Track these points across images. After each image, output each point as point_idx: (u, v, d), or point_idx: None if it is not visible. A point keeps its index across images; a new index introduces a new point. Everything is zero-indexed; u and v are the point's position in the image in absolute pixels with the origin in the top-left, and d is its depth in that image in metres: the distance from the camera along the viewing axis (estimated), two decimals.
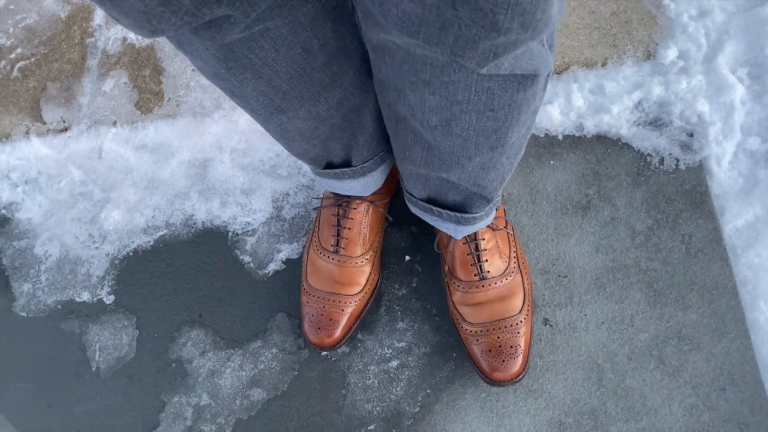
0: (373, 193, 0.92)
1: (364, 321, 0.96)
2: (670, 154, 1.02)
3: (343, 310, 0.92)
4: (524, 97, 0.58)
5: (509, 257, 0.91)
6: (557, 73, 1.09)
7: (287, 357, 0.97)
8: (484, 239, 0.88)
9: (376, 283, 0.97)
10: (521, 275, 0.91)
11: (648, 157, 1.02)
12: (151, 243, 1.07)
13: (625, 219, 0.99)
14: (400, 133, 0.69)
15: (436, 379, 0.94)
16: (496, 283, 0.88)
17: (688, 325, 0.92)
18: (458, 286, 0.90)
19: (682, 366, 0.90)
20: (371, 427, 0.92)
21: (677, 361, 0.90)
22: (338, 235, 0.92)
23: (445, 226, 0.84)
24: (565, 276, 0.96)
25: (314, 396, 0.95)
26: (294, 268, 1.02)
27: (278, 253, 1.04)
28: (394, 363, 0.95)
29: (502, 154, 0.66)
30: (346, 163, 0.82)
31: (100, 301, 1.04)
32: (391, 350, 0.96)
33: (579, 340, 0.93)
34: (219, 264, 1.04)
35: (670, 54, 1.06)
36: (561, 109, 1.06)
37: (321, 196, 1.01)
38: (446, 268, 0.92)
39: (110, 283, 1.05)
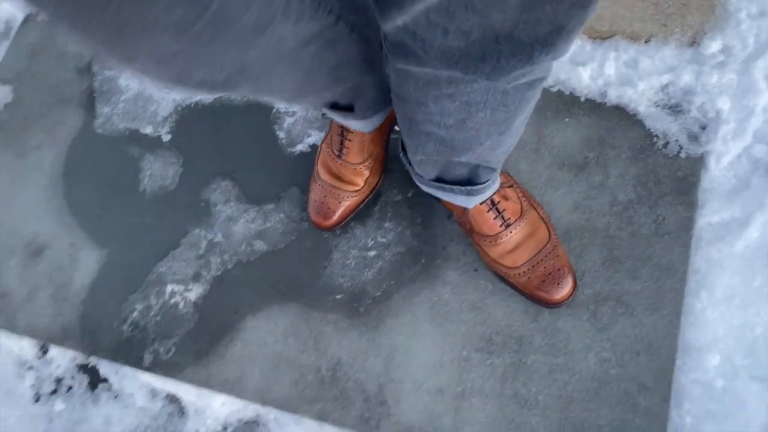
0: None
1: (360, 214, 1.12)
2: (676, 140, 1.07)
3: (340, 202, 1.07)
4: (533, 94, 0.64)
5: (519, 198, 1.00)
6: (601, 39, 1.14)
7: (290, 223, 1.15)
8: (495, 192, 0.96)
9: (375, 185, 1.10)
10: (534, 208, 1.02)
11: (654, 138, 1.08)
12: (211, 101, 1.25)
13: (612, 187, 1.07)
14: (414, 133, 0.76)
15: (402, 275, 1.09)
16: (519, 225, 0.98)
17: (630, 293, 1.02)
18: (490, 241, 0.99)
19: (611, 325, 1.01)
20: (338, 297, 1.10)
21: (608, 320, 1.01)
22: (341, 144, 1.04)
23: (457, 198, 0.91)
24: None
25: (302, 260, 1.13)
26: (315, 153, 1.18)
27: (308, 137, 1.20)
28: (372, 253, 1.11)
29: (509, 135, 0.73)
30: (349, 108, 0.87)
31: (159, 137, 1.25)
32: (373, 242, 1.12)
33: None
34: (258, 133, 1.21)
35: (714, 46, 1.09)
36: (591, 73, 1.12)
37: None
38: (470, 232, 1.02)
39: (170, 125, 1.25)
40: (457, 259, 1.08)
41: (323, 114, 1.10)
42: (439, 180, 0.87)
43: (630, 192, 1.06)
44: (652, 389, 0.98)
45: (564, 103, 1.13)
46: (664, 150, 1.08)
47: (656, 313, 1.00)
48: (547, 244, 0.99)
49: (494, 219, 0.97)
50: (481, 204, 0.96)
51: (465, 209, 0.98)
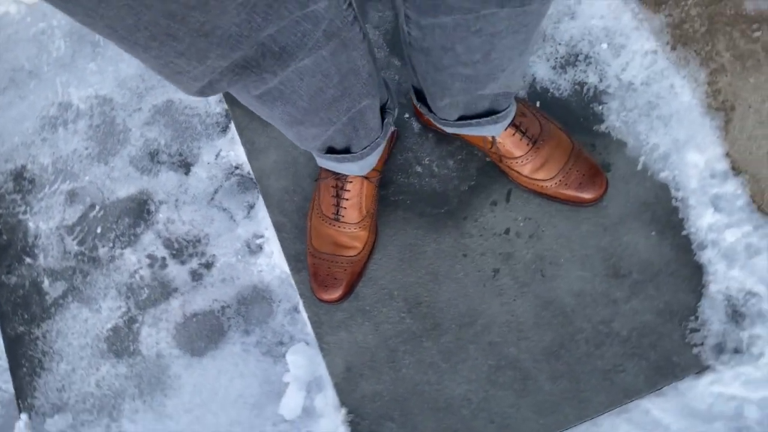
0: None
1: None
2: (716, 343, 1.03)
3: (345, 270, 1.07)
4: (548, 6, 0.65)
5: (535, 116, 1.05)
6: None
7: None
8: (515, 116, 1.00)
9: (372, 245, 1.11)
10: (550, 121, 1.06)
11: (690, 322, 1.04)
12: None
13: (619, 312, 1.12)
14: (438, 80, 0.78)
15: None
16: (544, 140, 1.03)
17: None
18: (522, 161, 1.04)
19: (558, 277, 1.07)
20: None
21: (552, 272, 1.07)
22: (338, 204, 1.04)
23: (485, 129, 0.95)
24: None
25: None
26: None
27: None
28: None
29: (526, 53, 0.74)
30: (346, 150, 0.91)
31: None
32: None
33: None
34: None
35: None
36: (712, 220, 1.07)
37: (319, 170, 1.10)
38: (498, 158, 1.06)
39: None
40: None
41: (317, 178, 1.10)
42: (463, 118, 0.91)
43: (626, 325, 1.05)
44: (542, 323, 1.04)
45: (666, 221, 1.08)
46: (686, 328, 1.04)
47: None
48: (573, 150, 1.05)
49: (521, 139, 1.02)
50: (507, 129, 1.00)
51: (492, 139, 1.03)
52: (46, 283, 1.29)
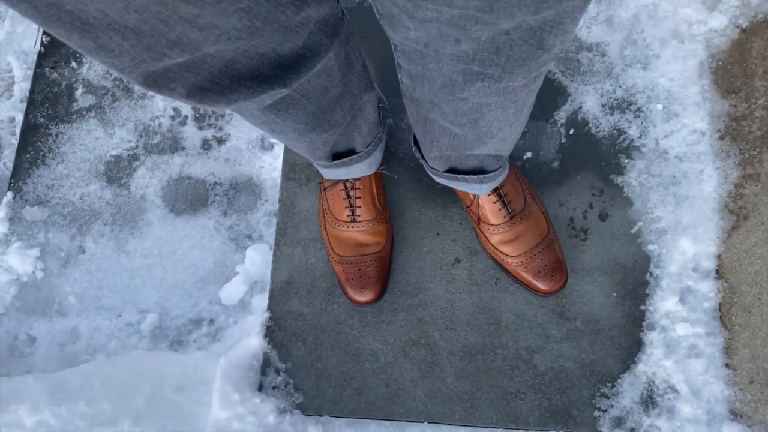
0: None
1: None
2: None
3: (375, 267, 1.07)
4: (539, 84, 0.65)
5: (523, 191, 1.06)
6: None
7: None
8: (503, 185, 1.02)
9: (392, 234, 1.12)
10: (535, 201, 1.07)
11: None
12: None
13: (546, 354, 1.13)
14: (428, 130, 0.78)
15: None
16: (522, 217, 1.03)
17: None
18: (494, 230, 1.04)
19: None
20: None
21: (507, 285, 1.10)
22: (351, 206, 1.04)
23: (471, 187, 0.95)
24: None
25: None
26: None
27: None
28: None
29: (518, 125, 0.75)
30: (351, 151, 0.91)
31: None
32: None
33: None
34: None
35: None
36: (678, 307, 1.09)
37: (321, 181, 1.10)
38: (476, 219, 1.06)
39: None
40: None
41: (320, 183, 1.11)
42: (451, 171, 0.91)
43: (546, 362, 1.07)
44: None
45: (632, 289, 1.09)
46: (599, 390, 1.06)
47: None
48: (545, 237, 1.05)
49: (500, 210, 1.02)
50: (489, 194, 1.01)
51: (474, 199, 1.04)
52: (79, 91, 1.38)
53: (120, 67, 0.51)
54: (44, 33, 1.41)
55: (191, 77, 0.54)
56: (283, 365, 1.11)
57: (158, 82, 0.54)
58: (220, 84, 0.56)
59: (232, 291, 1.23)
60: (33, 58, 1.42)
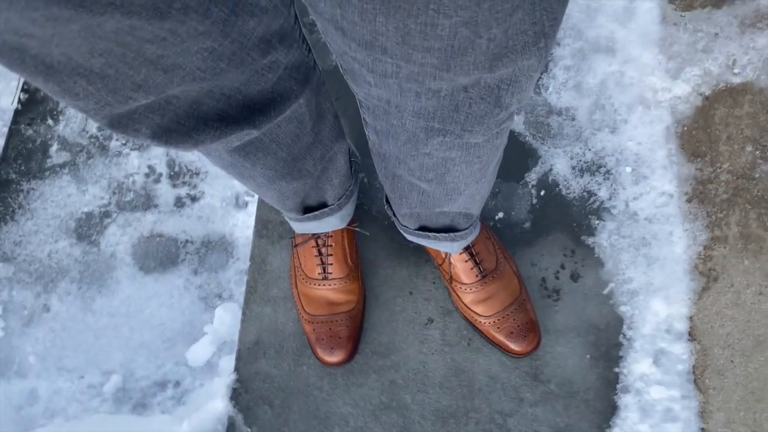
0: None
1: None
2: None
3: (347, 326, 1.05)
4: (502, 141, 0.67)
5: (495, 250, 1.06)
6: None
7: None
8: (474, 244, 1.02)
9: (364, 293, 1.10)
10: (507, 261, 1.07)
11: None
12: None
13: (523, 413, 1.13)
14: (396, 186, 0.78)
15: None
16: (494, 276, 1.03)
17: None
18: (466, 289, 1.04)
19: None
20: None
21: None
22: (323, 263, 1.03)
23: (442, 245, 0.95)
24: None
25: None
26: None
27: None
28: None
29: (485, 182, 0.76)
30: (323, 204, 0.91)
31: None
32: None
33: None
34: None
35: None
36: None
37: (292, 236, 1.11)
38: (448, 278, 1.06)
39: None
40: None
41: (292, 238, 1.11)
42: (423, 229, 0.91)
43: (520, 426, 1.04)
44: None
45: (605, 351, 1.08)
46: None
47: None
48: (518, 297, 1.04)
49: (472, 269, 1.02)
50: (461, 253, 1.02)
51: (446, 257, 1.03)
52: (54, 147, 1.38)
53: (85, 110, 0.51)
54: (22, 90, 1.42)
55: (156, 118, 0.54)
56: (249, 430, 1.07)
57: (123, 123, 0.53)
58: (185, 125, 0.56)
59: (200, 352, 1.20)
60: (10, 115, 1.42)
